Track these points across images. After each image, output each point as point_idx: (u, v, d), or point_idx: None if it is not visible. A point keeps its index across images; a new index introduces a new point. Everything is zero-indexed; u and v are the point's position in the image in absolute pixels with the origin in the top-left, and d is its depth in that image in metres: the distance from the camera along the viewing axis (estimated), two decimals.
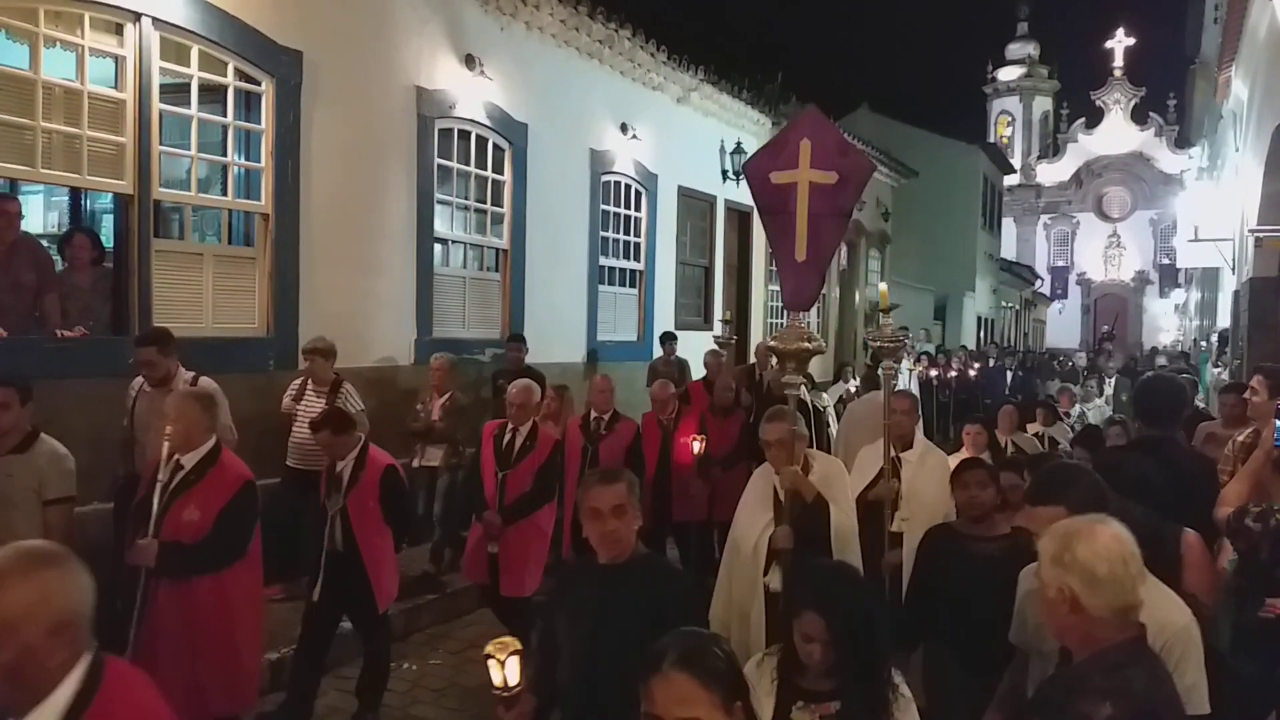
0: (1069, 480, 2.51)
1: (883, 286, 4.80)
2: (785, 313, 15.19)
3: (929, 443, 4.72)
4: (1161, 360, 16.62)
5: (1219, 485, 3.70)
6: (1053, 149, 45.44)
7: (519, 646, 2.18)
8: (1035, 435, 7.65)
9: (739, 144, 11.99)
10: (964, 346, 19.33)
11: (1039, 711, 1.71)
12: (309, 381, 5.85)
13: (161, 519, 3.51)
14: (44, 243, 5.85)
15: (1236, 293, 10.83)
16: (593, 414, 6.05)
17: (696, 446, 6.22)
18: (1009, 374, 15.04)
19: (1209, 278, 18.86)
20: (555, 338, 8.97)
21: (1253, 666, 2.96)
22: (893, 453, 4.32)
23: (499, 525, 4.79)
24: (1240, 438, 3.91)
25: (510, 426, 4.99)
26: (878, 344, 4.32)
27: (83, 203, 6.95)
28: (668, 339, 9.45)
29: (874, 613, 2.27)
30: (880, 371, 4.48)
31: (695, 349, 9.11)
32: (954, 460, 5.06)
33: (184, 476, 3.59)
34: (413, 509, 6.00)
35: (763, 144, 3.78)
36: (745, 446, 6.37)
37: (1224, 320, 13.79)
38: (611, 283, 10.10)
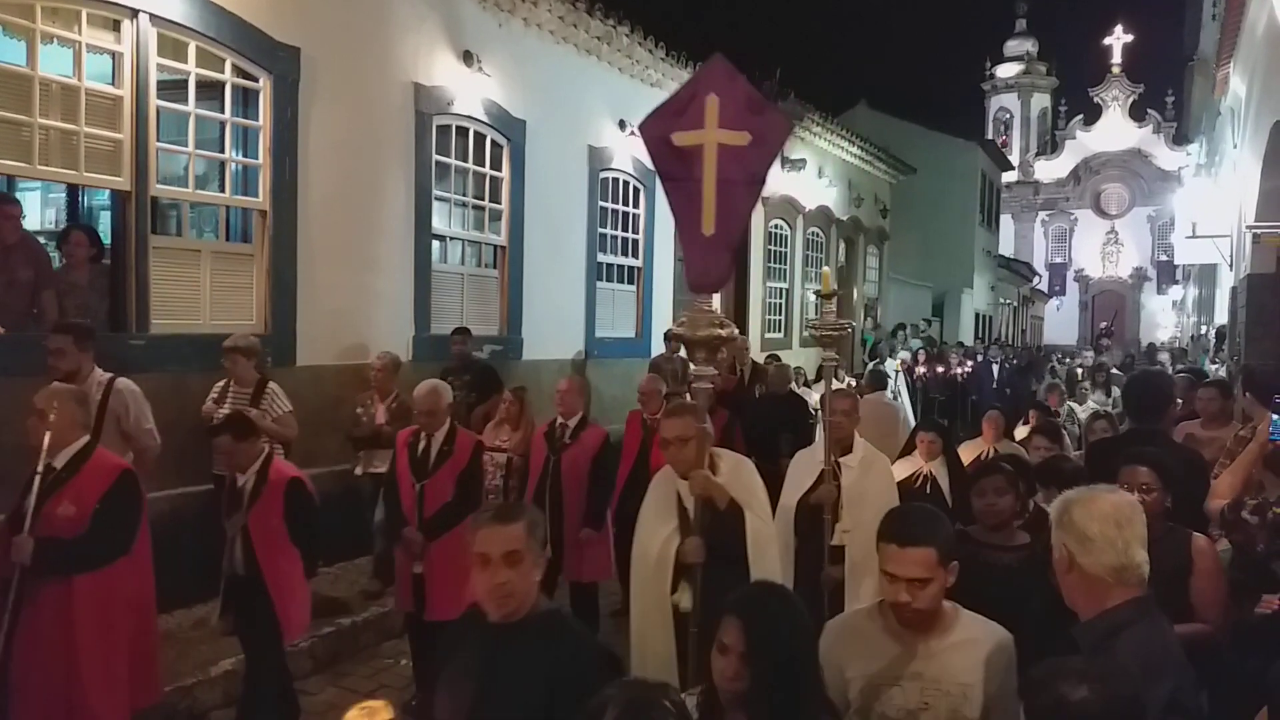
0: (935, 520, 2.28)
1: (825, 270, 4.45)
2: (781, 310, 15.21)
3: (871, 447, 4.32)
4: (1164, 357, 16.43)
5: (1207, 480, 3.73)
6: (1051, 146, 45.45)
7: (389, 714, 1.71)
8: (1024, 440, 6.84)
9: None
10: (960, 343, 19.09)
11: (1025, 690, 1.76)
12: (231, 384, 5.39)
13: (36, 516, 3.28)
14: (41, 239, 5.86)
15: (1234, 289, 10.84)
16: (558, 420, 5.36)
17: None
18: (995, 368, 14.02)
19: (1207, 274, 18.88)
20: (553, 334, 8.97)
21: (1249, 662, 2.96)
22: (832, 458, 3.98)
23: (420, 542, 4.33)
24: (1241, 431, 3.93)
25: (424, 434, 4.52)
26: (819, 333, 3.96)
27: (80, 199, 6.94)
28: (672, 336, 9.42)
29: (800, 632, 1.99)
30: (821, 364, 4.27)
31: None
32: (902, 466, 4.84)
33: (56, 474, 3.37)
34: (320, 528, 4.98)
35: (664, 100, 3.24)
36: (729, 445, 6.21)
37: (1222, 316, 13.81)
38: (610, 279, 10.09)
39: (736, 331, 3.04)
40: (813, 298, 15.56)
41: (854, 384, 9.99)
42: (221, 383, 5.44)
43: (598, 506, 5.19)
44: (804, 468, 4.21)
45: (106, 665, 3.33)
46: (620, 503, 5.39)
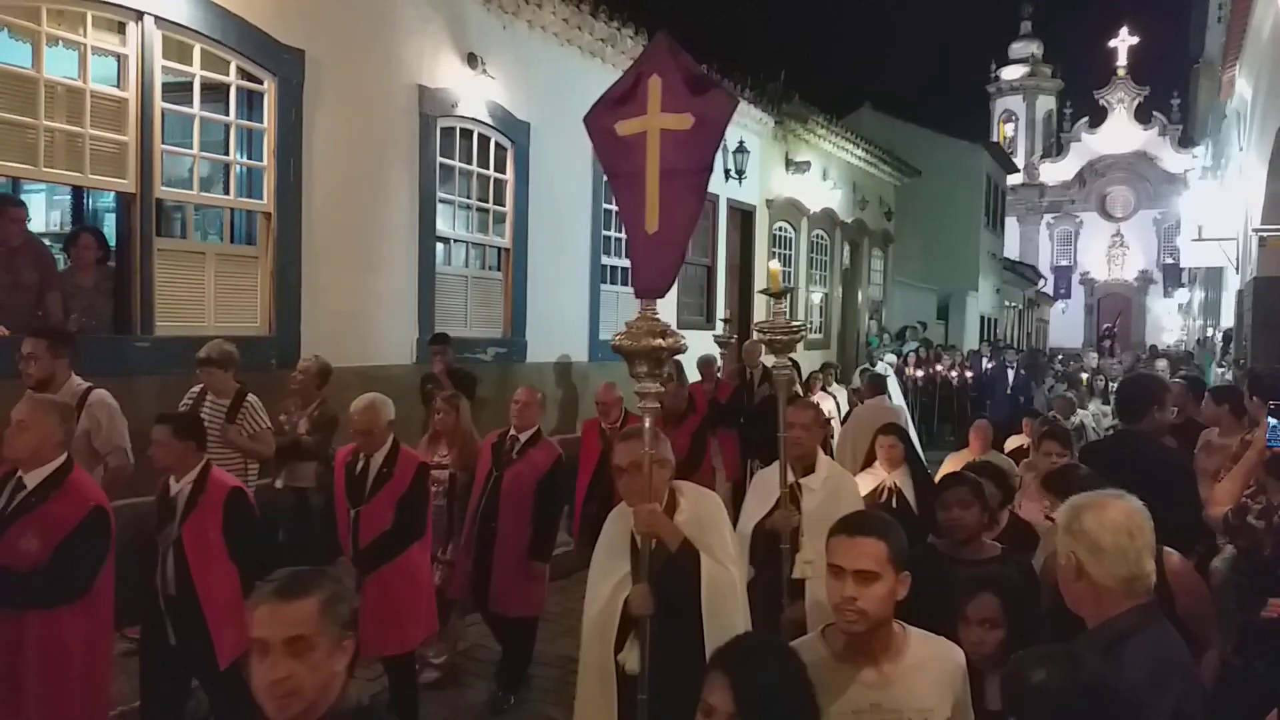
0: (890, 522, 2.22)
1: (773, 266, 3.80)
2: (785, 313, 15.17)
3: (837, 466, 3.91)
4: (1161, 364, 16.28)
5: (1192, 481, 3.75)
6: (1056, 148, 45.38)
7: None
8: (1018, 449, 6.47)
9: (741, 143, 11.99)
10: (951, 345, 18.81)
11: (1001, 683, 1.79)
12: (206, 395, 5.01)
13: None
14: (46, 241, 5.88)
15: (1240, 292, 10.81)
16: (510, 432, 4.86)
17: None
18: (1009, 373, 13.15)
19: (1212, 277, 18.82)
20: (557, 337, 8.97)
21: (1255, 667, 2.95)
22: (791, 478, 3.57)
23: (353, 575, 3.97)
24: (1247, 435, 3.92)
25: (362, 454, 4.13)
26: (768, 337, 3.51)
27: (85, 201, 6.96)
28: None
29: (797, 691, 1.85)
30: (775, 375, 3.65)
31: (698, 349, 9.10)
32: (865, 480, 4.55)
33: (24, 498, 3.12)
34: (266, 542, 4.71)
35: (615, 93, 2.84)
36: (698, 458, 5.91)
37: (1228, 320, 13.75)
38: (614, 282, 10.09)
39: (683, 341, 2.68)
40: (817, 300, 15.56)
41: (840, 392, 9.80)
42: (196, 389, 5.05)
43: (543, 535, 4.72)
44: (763, 489, 3.74)
45: (56, 699, 3.11)
46: (582, 520, 5.17)
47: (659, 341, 2.63)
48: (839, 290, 16.34)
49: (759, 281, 13.14)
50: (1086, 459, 4.22)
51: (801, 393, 9.00)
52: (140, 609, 3.56)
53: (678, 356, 8.79)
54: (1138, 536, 1.99)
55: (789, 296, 3.52)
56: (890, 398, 9.72)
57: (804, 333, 3.29)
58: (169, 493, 3.54)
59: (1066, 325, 42.81)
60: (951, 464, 5.36)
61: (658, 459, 2.78)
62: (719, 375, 8.43)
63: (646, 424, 2.73)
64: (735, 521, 3.55)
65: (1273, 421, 3.16)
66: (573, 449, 5.90)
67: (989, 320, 27.58)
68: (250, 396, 5.05)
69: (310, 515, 5.20)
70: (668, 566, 2.75)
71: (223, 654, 3.45)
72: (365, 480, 4.09)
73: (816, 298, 15.57)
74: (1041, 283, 40.29)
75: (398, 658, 4.14)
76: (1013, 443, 6.82)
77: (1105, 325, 36.15)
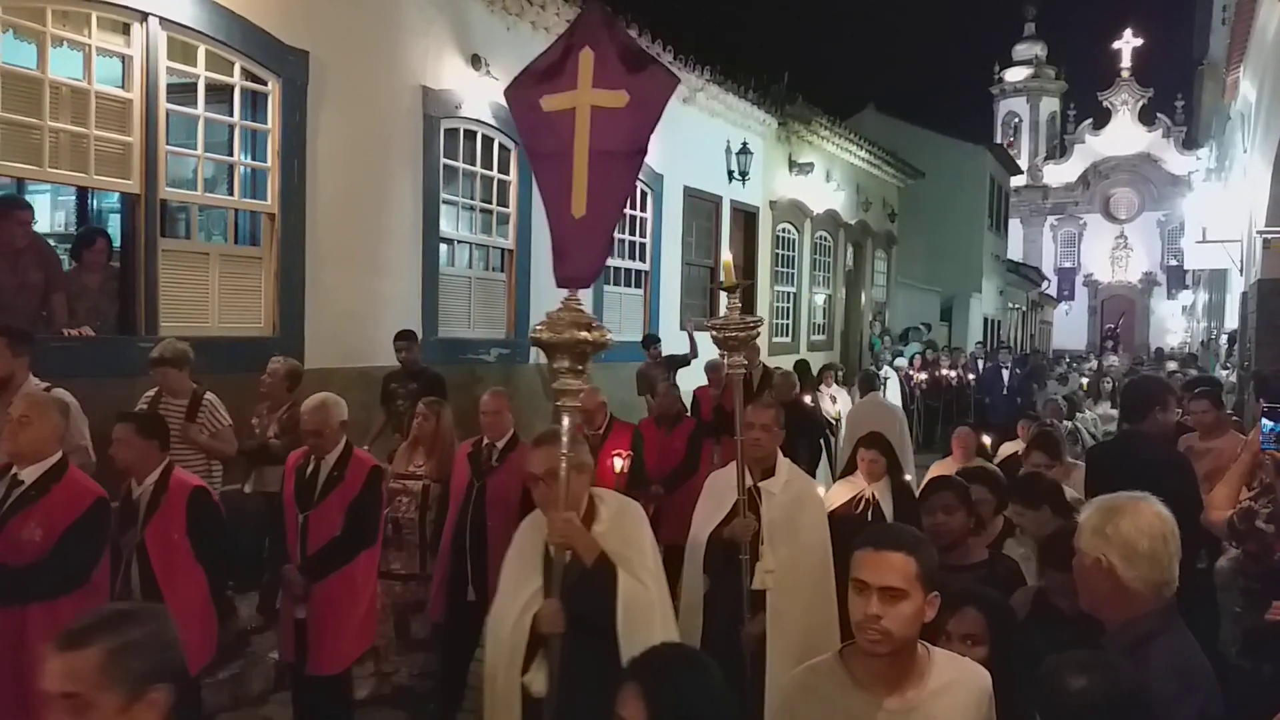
0: (920, 537, 2.11)
1: (726, 258, 3.67)
2: (789, 314, 15.03)
3: (797, 469, 3.64)
4: (1172, 365, 16.20)
5: (1193, 480, 3.74)
6: (1060, 150, 45.31)
7: None
8: (1012, 455, 6.20)
9: (745, 144, 11.99)
10: (958, 349, 18.71)
11: (1032, 687, 1.77)
12: (162, 395, 4.83)
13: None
14: (51, 242, 5.89)
15: (1245, 294, 10.79)
16: (485, 440, 4.59)
17: (619, 464, 5.23)
18: (1005, 373, 13.00)
19: (1217, 279, 18.79)
20: None
21: (1263, 670, 2.94)
22: (750, 481, 3.32)
23: (301, 583, 3.78)
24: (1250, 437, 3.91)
25: (313, 456, 3.92)
26: (721, 334, 3.31)
27: (89, 202, 6.97)
28: (651, 342, 9.23)
29: (715, 701, 1.70)
30: (728, 370, 3.43)
31: (706, 353, 9.09)
32: (843, 488, 4.42)
33: (23, 493, 3.14)
34: (233, 545, 4.59)
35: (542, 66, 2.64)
36: (694, 463, 5.76)
37: (1232, 322, 13.73)
38: (617, 283, 10.10)
39: (609, 335, 2.51)
40: (820, 301, 15.55)
41: (840, 393, 9.73)
42: (151, 392, 4.85)
43: None
44: (717, 493, 3.46)
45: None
46: None
47: (583, 334, 2.44)
48: (842, 291, 16.33)
49: (762, 282, 13.14)
50: (1092, 461, 4.27)
51: (809, 390, 8.92)
52: None
53: (671, 356, 8.13)
54: (1170, 541, 1.99)
55: (751, 290, 3.36)
56: (884, 395, 9.62)
57: (759, 329, 3.38)
58: (131, 495, 3.47)
59: (1070, 327, 42.74)
60: (936, 472, 5.09)
61: (575, 464, 2.57)
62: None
63: (565, 425, 2.52)
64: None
65: (1268, 424, 3.13)
66: None
67: (992, 322, 27.55)
68: (209, 395, 4.89)
69: (280, 521, 4.98)
70: (582, 582, 2.53)
71: (191, 658, 3.37)
72: (315, 484, 3.87)
73: (820, 299, 15.55)
74: (1045, 284, 40.24)
75: (329, 679, 3.87)
76: (1007, 449, 6.60)
77: (1108, 326, 36.12)
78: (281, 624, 4.01)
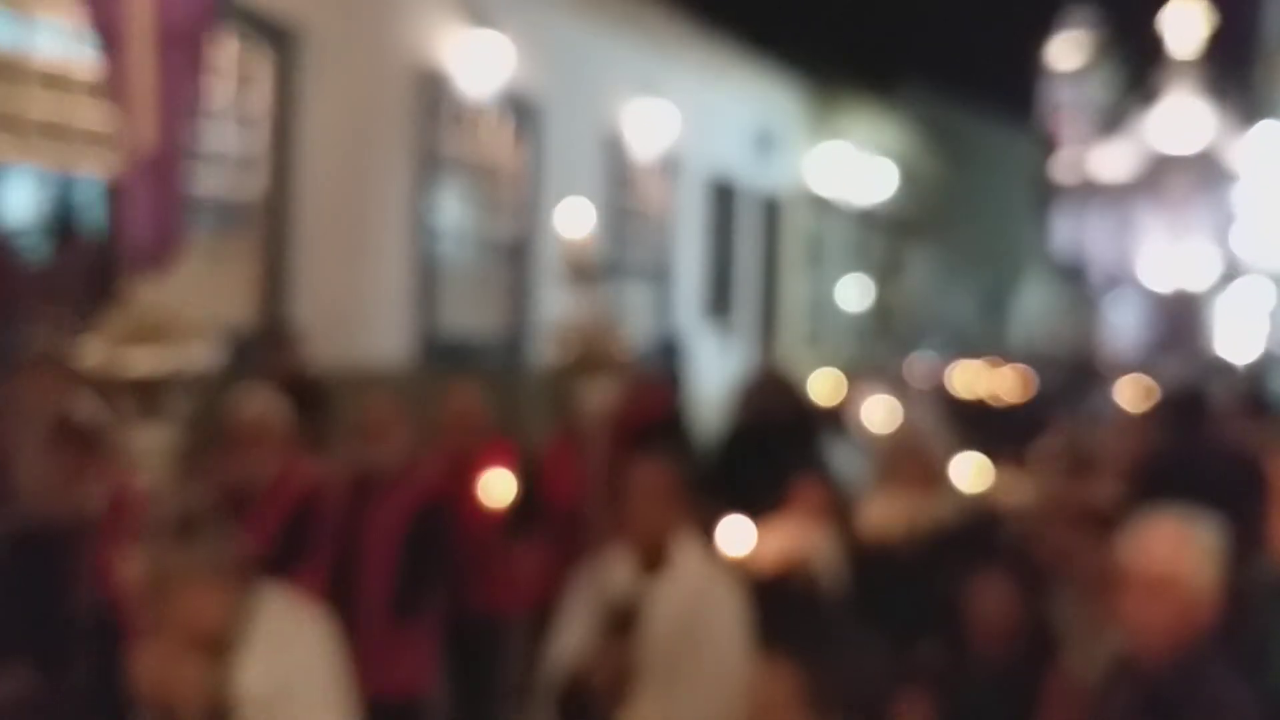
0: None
1: (573, 235, 2.61)
2: (815, 310, 14.38)
3: (703, 557, 2.36)
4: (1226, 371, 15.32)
5: (1262, 491, 3.65)
6: (1111, 136, 43.77)
7: None
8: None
9: (772, 129, 11.59)
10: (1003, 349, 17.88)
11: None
12: None
13: None
14: (29, 231, 5.73)
15: None
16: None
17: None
18: (1047, 377, 11.93)
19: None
20: None
21: None
22: (621, 578, 2.25)
23: None
24: None
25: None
26: (575, 355, 2.37)
27: (70, 188, 6.85)
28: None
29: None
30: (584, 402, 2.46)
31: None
32: (769, 540, 2.64)
33: None
34: None
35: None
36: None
37: None
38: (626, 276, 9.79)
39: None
40: (852, 296, 15.04)
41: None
42: None
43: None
44: (584, 599, 2.29)
45: None
46: None
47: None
48: (877, 286, 15.83)
49: (787, 278, 12.70)
50: (1144, 472, 4.00)
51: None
52: None
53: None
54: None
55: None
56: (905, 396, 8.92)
57: (622, 342, 2.20)
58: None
59: (1120, 326, 41.41)
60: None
61: (200, 564, 1.70)
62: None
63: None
64: None
65: None
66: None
67: (1036, 319, 26.81)
68: None
69: None
70: None
71: None
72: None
73: (852, 293, 15.10)
74: (1092, 279, 39.14)
75: None
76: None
77: (1161, 326, 34.89)
78: None
